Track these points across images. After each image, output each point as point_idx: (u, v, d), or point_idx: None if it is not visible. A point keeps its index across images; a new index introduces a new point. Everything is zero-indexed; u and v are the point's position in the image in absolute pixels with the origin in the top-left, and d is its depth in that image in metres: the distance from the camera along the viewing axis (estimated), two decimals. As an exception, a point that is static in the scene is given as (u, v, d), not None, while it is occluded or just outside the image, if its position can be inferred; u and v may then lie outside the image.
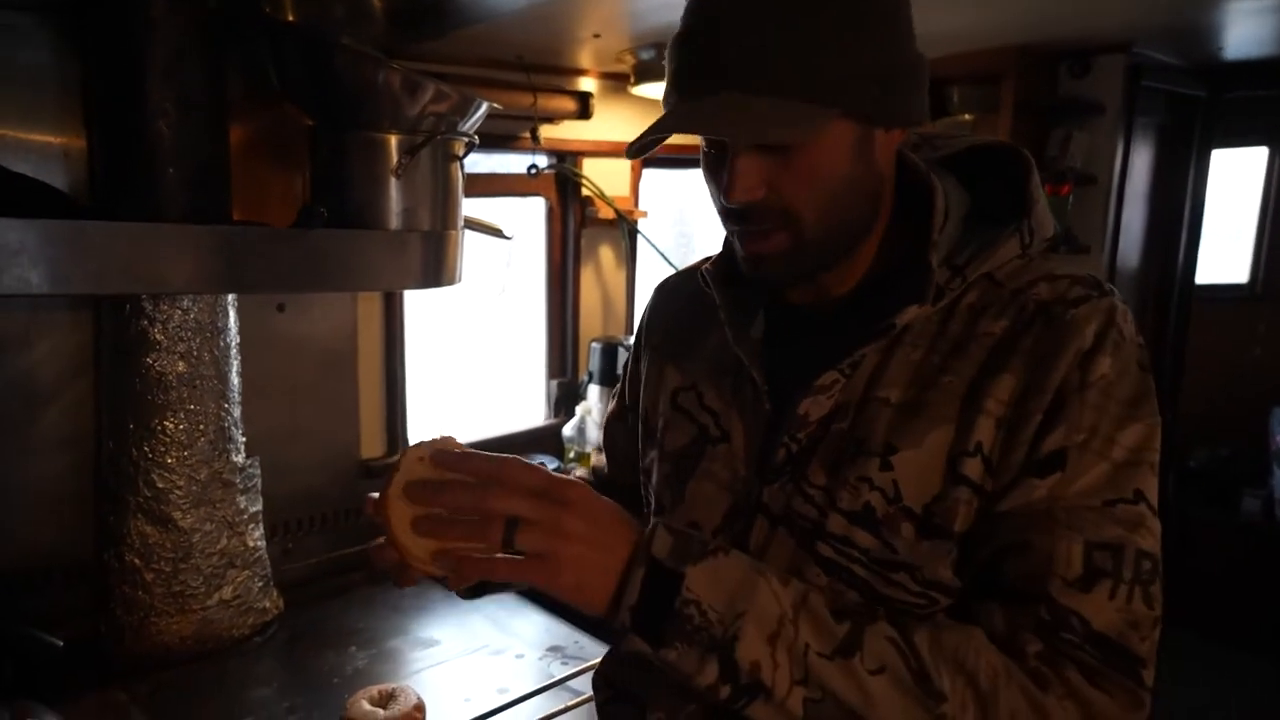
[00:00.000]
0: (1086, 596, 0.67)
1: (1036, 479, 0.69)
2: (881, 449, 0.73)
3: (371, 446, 1.89)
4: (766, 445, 0.80)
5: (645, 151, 0.74)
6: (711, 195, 0.78)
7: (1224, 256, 3.81)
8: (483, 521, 0.68)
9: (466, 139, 1.43)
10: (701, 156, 0.77)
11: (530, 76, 1.91)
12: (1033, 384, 0.70)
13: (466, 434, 2.07)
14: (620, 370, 1.13)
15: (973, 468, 0.71)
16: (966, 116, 2.43)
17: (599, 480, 1.17)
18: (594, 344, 2.18)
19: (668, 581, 0.68)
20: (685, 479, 0.86)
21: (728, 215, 0.76)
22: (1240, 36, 2.28)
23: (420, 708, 1.26)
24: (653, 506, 0.92)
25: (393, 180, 1.36)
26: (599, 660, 1.34)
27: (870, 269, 0.80)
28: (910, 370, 0.75)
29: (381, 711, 1.24)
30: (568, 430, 2.14)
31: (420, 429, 1.98)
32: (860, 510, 0.73)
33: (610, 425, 1.12)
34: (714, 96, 0.69)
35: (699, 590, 0.68)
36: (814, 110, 0.68)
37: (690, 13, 0.72)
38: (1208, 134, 2.96)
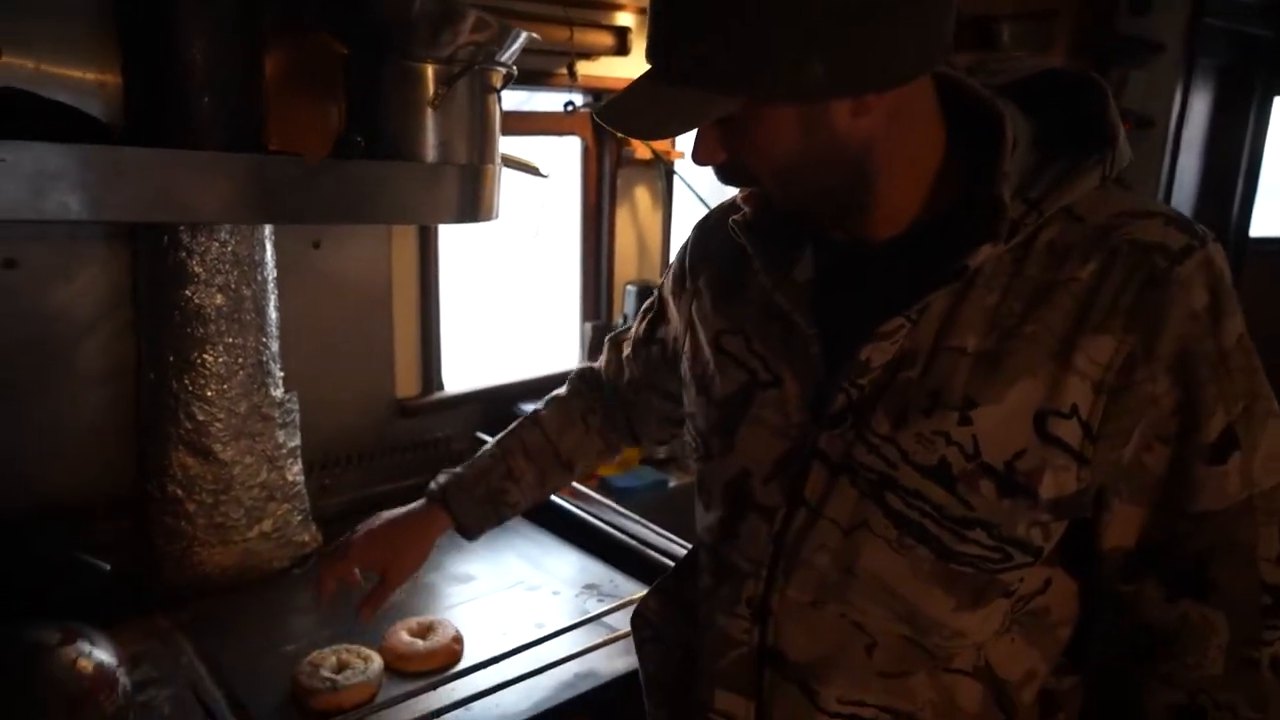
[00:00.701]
0: None
1: (1220, 466, 0.67)
2: (960, 402, 0.69)
3: (407, 386, 1.89)
4: (822, 391, 0.77)
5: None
6: None
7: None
8: None
9: (505, 70, 1.39)
10: None
11: (567, 10, 1.86)
12: (1138, 351, 0.66)
13: (501, 377, 2.07)
14: (652, 298, 1.12)
15: (1069, 431, 0.68)
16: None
17: (596, 387, 1.20)
18: (629, 287, 2.16)
19: None
20: (735, 425, 0.83)
21: None
22: (1314, -31, 2.16)
23: (458, 639, 1.28)
24: (700, 452, 0.90)
25: (429, 111, 1.32)
26: (634, 598, 1.35)
27: (926, 206, 0.74)
28: (986, 316, 0.70)
29: (420, 642, 1.26)
30: (602, 374, 2.13)
31: (455, 370, 1.98)
32: (935, 465, 0.70)
33: (639, 348, 1.12)
34: (644, 81, 0.69)
35: None
36: (712, 101, 0.66)
37: None
38: (1271, 79, 2.83)
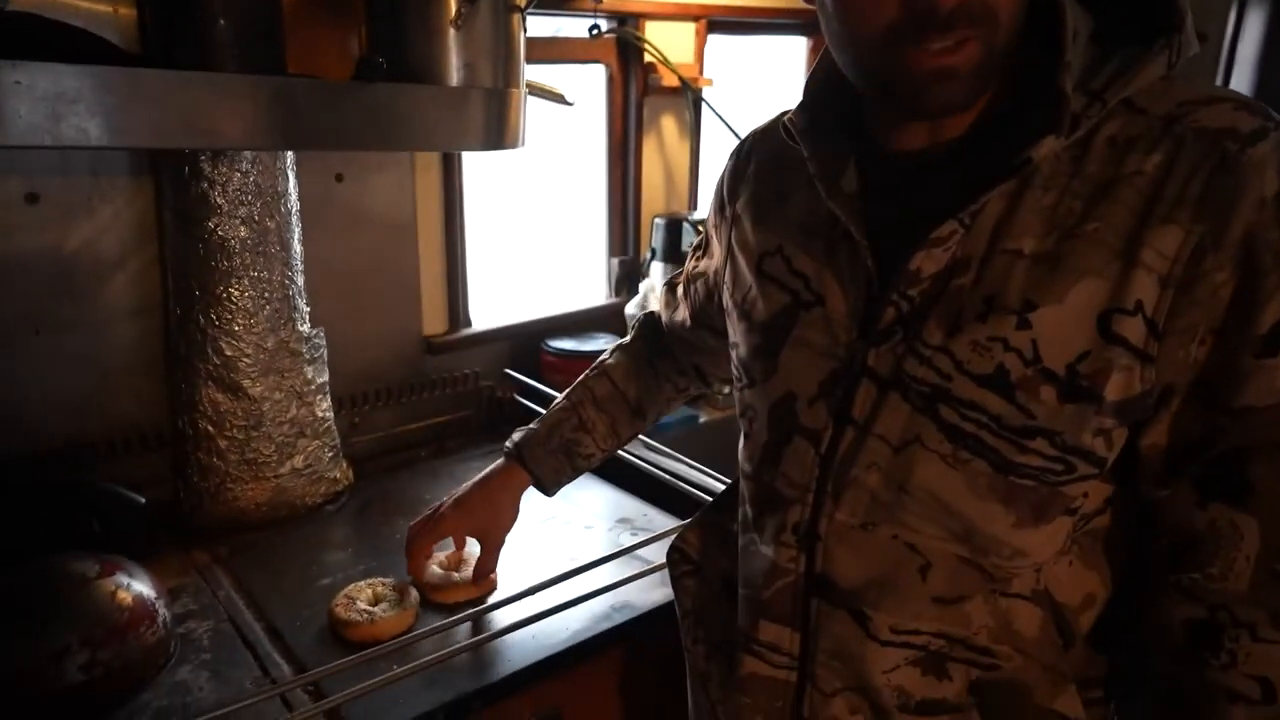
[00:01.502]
0: None
1: (1270, 359, 0.62)
2: (1019, 306, 0.66)
3: (434, 323, 1.87)
4: (870, 306, 0.73)
5: None
6: (857, 12, 0.65)
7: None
8: None
9: (529, -13, 1.34)
10: None
11: (591, -72, 1.78)
12: (1207, 240, 0.62)
13: (528, 314, 2.04)
14: (699, 230, 1.10)
15: (1132, 329, 0.64)
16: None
17: (659, 332, 1.19)
18: (657, 220, 2.11)
19: None
20: (777, 348, 0.81)
21: (909, 27, 0.63)
22: None
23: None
24: (742, 380, 0.87)
25: (452, 32, 1.28)
26: (666, 531, 1.34)
27: (987, 107, 0.71)
28: (1043, 217, 0.66)
29: (455, 574, 1.26)
30: (630, 309, 2.10)
31: (482, 307, 1.95)
32: (992, 373, 0.67)
33: (688, 285, 1.11)
34: None
35: None
36: None
37: None
38: (1330, -8, 2.69)
